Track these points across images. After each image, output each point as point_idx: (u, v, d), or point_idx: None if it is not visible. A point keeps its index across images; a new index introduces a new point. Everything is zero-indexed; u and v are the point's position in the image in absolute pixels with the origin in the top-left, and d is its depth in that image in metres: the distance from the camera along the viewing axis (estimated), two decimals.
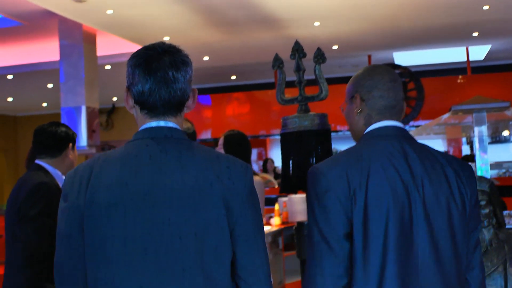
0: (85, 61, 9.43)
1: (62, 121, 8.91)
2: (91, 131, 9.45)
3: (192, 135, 4.03)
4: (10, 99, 15.89)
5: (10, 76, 12.82)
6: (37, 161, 3.80)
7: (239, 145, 4.93)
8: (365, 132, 2.39)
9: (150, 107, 2.07)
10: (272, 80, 13.71)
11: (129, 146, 2.04)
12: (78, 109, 9.36)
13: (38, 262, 3.45)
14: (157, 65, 2.05)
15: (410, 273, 2.12)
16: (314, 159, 3.60)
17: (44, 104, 16.91)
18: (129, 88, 2.10)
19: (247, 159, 4.99)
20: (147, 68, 2.05)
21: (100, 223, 1.90)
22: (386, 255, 2.10)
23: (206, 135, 13.05)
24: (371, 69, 2.49)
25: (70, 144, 3.83)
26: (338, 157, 2.28)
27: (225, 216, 1.96)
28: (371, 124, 2.39)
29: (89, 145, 9.16)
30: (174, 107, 2.09)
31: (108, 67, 12.05)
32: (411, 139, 2.38)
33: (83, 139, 9.37)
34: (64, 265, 1.97)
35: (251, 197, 2.08)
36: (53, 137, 3.80)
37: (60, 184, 3.74)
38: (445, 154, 2.36)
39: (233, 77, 14.54)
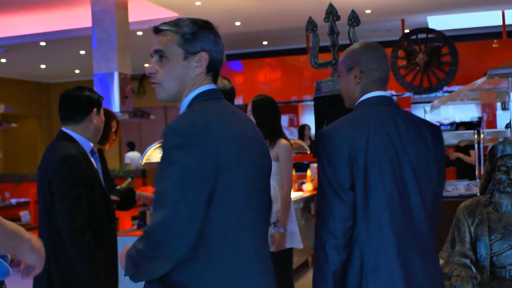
0: (117, 27, 9.44)
1: (95, 88, 8.98)
2: (123, 97, 9.49)
3: (230, 92, 3.96)
4: (43, 66, 16.00)
5: (43, 43, 12.89)
6: (63, 129, 3.75)
7: (266, 109, 4.92)
8: (362, 99, 2.83)
9: (216, 73, 2.39)
10: (304, 45, 13.61)
11: (219, 104, 2.36)
12: (111, 75, 9.40)
13: (82, 233, 3.48)
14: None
15: (405, 221, 2.65)
16: None
17: (77, 71, 17.01)
18: (209, 52, 2.34)
19: (276, 123, 4.98)
20: (217, 35, 2.38)
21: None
22: (382, 203, 2.62)
23: (238, 101, 13.02)
24: (368, 45, 2.89)
25: (95, 109, 3.76)
26: (343, 122, 2.74)
27: None
28: (366, 93, 2.82)
29: (121, 111, 9.20)
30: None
31: (140, 33, 12.05)
32: (398, 107, 2.85)
33: (115, 105, 9.41)
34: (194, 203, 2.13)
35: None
36: (77, 102, 3.74)
37: (87, 151, 3.72)
38: (422, 119, 2.85)
39: (265, 43, 14.47)
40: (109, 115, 4.87)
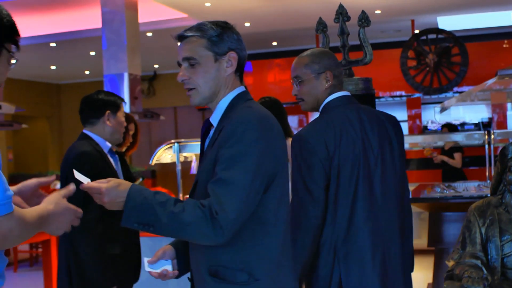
0: (127, 28, 9.45)
1: (105, 88, 9.00)
2: (133, 98, 9.51)
3: None
4: (53, 67, 16.04)
5: (53, 44, 12.92)
6: (84, 130, 3.90)
7: (272, 111, 4.93)
8: (329, 100, 3.06)
9: (242, 72, 2.47)
10: (313, 46, 13.59)
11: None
12: (121, 76, 9.42)
13: (92, 226, 3.55)
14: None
15: (373, 212, 2.92)
16: None
17: (87, 72, 17.04)
18: (236, 51, 2.42)
19: (282, 122, 4.98)
20: (241, 37, 2.47)
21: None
22: (353, 201, 2.90)
23: None
24: (327, 51, 3.17)
25: (108, 111, 3.85)
26: (316, 125, 2.99)
27: None
28: (332, 94, 3.07)
29: (131, 112, 9.21)
30: None
31: (149, 34, 12.06)
32: (358, 103, 3.11)
33: (125, 106, 9.42)
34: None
35: None
36: (90, 104, 3.89)
37: (106, 150, 3.84)
38: (382, 112, 3.15)
39: (274, 43, 14.46)
40: (127, 118, 4.93)
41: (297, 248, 2.87)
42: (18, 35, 2.04)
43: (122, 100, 3.98)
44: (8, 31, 1.99)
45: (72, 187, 2.17)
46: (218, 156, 2.24)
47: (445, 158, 9.89)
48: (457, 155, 9.54)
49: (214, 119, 2.41)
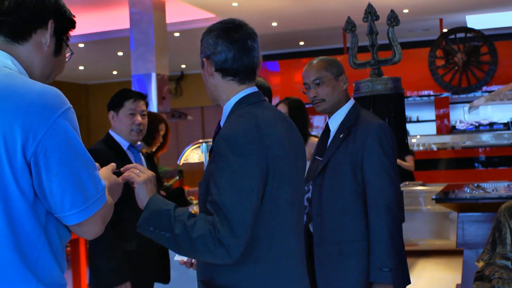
0: (155, 28, 9.50)
1: (132, 89, 9.06)
2: (161, 98, 9.55)
3: (268, 90, 4.00)
4: (81, 68, 16.17)
5: (81, 45, 13.03)
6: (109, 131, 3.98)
7: (301, 109, 5.00)
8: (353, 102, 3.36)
9: (233, 74, 2.33)
10: (341, 45, 13.56)
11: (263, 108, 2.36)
12: (148, 76, 9.47)
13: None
14: (238, 35, 2.32)
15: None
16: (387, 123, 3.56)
17: (115, 72, 17.16)
18: (209, 57, 2.32)
19: (307, 122, 5.04)
20: (229, 38, 2.30)
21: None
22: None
23: (274, 101, 12.97)
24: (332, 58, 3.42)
25: (111, 111, 3.92)
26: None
27: None
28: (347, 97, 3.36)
29: (159, 111, 9.26)
30: (253, 72, 2.38)
31: (177, 34, 12.11)
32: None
33: (153, 106, 9.48)
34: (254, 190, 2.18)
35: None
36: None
37: (124, 148, 3.90)
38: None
39: (301, 43, 14.45)
40: (158, 118, 4.98)
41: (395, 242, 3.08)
42: (72, 30, 2.08)
43: (137, 96, 3.95)
44: (69, 25, 2.05)
45: (114, 164, 2.22)
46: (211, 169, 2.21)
47: (398, 161, 9.77)
48: (409, 158, 9.38)
49: (222, 123, 2.40)
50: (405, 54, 3.88)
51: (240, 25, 2.34)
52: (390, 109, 3.62)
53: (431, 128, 12.87)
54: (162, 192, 4.65)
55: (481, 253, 3.91)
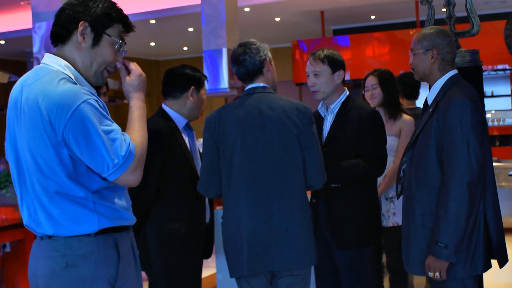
0: (226, 3, 9.48)
1: (204, 64, 9.09)
2: (232, 74, 9.56)
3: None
4: (152, 44, 16.34)
5: (152, 21, 13.15)
6: (162, 105, 3.91)
7: (393, 80, 4.92)
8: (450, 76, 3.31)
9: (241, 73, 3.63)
10: (413, 19, 13.31)
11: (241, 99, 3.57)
12: (219, 52, 9.48)
13: (147, 205, 3.70)
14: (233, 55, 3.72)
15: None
16: None
17: (185, 48, 17.28)
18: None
19: (392, 96, 4.90)
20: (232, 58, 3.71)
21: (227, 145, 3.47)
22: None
23: (346, 77, 12.88)
24: (446, 31, 3.32)
25: (192, 87, 3.86)
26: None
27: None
28: (445, 71, 3.31)
29: (230, 87, 9.28)
30: (254, 74, 3.59)
31: (247, 9, 12.10)
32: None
33: (224, 81, 9.49)
34: (209, 170, 3.50)
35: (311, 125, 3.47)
36: (175, 78, 3.87)
37: (180, 127, 3.84)
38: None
39: (373, 17, 14.25)
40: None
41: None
42: (118, 21, 2.55)
43: (206, 77, 3.98)
44: (107, 20, 2.52)
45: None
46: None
47: None
48: None
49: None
50: (480, 26, 3.79)
51: (239, 46, 3.82)
52: (468, 82, 3.53)
53: (506, 103, 12.59)
54: None
55: None
